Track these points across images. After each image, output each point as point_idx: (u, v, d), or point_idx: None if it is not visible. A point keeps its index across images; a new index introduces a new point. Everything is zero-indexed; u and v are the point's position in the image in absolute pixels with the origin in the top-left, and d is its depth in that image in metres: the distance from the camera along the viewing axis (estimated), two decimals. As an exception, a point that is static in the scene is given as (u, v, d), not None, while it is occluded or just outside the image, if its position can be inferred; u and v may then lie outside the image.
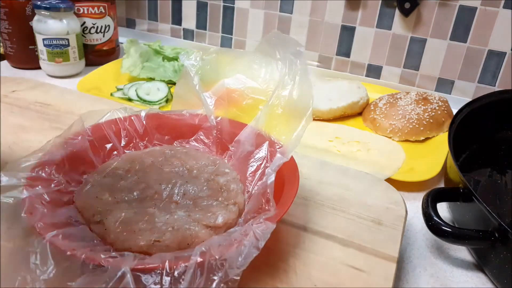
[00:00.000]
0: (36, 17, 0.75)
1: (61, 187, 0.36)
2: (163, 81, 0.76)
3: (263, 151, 0.41)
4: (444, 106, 0.67)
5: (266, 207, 0.33)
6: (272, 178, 0.34)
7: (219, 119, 0.45)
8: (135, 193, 0.37)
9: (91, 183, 0.38)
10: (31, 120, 0.56)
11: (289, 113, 0.40)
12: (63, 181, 0.37)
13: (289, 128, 0.38)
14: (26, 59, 0.81)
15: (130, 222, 0.33)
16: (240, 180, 0.40)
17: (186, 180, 0.39)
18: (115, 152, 0.43)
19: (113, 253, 0.29)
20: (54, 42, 0.75)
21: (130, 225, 0.33)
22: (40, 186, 0.34)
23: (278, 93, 0.41)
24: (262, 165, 0.40)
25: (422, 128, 0.63)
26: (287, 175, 0.38)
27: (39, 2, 0.73)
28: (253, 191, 0.39)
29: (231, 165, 0.43)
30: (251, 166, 0.41)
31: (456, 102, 0.72)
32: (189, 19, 0.97)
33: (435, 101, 0.68)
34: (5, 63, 0.84)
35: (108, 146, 0.43)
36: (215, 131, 0.45)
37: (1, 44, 0.82)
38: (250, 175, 0.40)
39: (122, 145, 0.44)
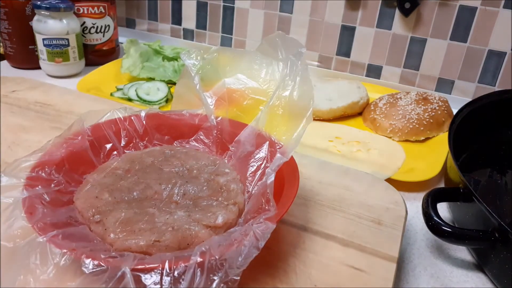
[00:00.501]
0: (36, 17, 0.75)
1: (61, 187, 0.36)
2: (163, 81, 0.76)
3: (263, 152, 0.41)
4: (444, 106, 0.67)
5: (266, 207, 0.33)
6: (271, 178, 0.34)
7: (219, 119, 0.45)
8: (135, 193, 0.37)
9: (91, 183, 0.38)
10: (31, 120, 0.56)
11: (289, 114, 0.40)
12: (63, 181, 0.37)
13: (290, 128, 0.38)
14: (26, 59, 0.81)
15: (130, 222, 0.33)
16: (240, 180, 0.40)
17: (186, 180, 0.39)
18: (115, 152, 0.43)
19: (113, 253, 0.29)
20: (54, 42, 0.75)
21: (130, 225, 0.33)
22: (40, 186, 0.34)
23: (278, 93, 0.40)
24: (262, 165, 0.40)
25: (422, 128, 0.63)
26: (287, 175, 0.38)
27: (39, 2, 0.73)
28: (253, 191, 0.39)
29: (231, 165, 0.43)
30: (251, 166, 0.41)
31: (456, 102, 0.72)
32: (189, 19, 0.97)
33: (435, 101, 0.67)
34: (5, 63, 0.84)
35: (108, 146, 0.43)
36: (215, 131, 0.45)
37: (1, 44, 0.82)
38: (250, 175, 0.40)
39: (122, 145, 0.44)
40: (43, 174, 0.36)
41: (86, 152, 0.41)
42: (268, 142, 0.41)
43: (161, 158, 0.42)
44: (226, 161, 0.44)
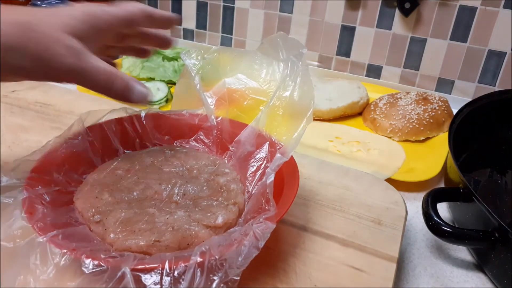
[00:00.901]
0: (36, 17, 0.75)
1: (61, 187, 0.36)
2: (163, 81, 0.76)
3: (263, 152, 0.41)
4: (444, 106, 0.67)
5: (266, 207, 0.33)
6: (271, 178, 0.34)
7: (219, 119, 0.45)
8: (135, 193, 0.37)
9: (91, 183, 0.38)
10: (31, 120, 0.56)
11: (290, 114, 0.40)
12: (63, 181, 0.37)
13: (290, 128, 0.38)
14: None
15: (130, 222, 0.33)
16: (240, 180, 0.40)
17: (186, 180, 0.39)
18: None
19: (113, 253, 0.29)
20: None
21: (130, 225, 0.33)
22: (40, 186, 0.34)
23: (279, 94, 0.41)
24: (263, 165, 0.40)
25: (422, 128, 0.63)
26: (287, 175, 0.38)
27: (38, 2, 0.73)
28: (253, 191, 0.39)
29: (231, 165, 0.43)
30: (252, 167, 0.41)
31: (456, 102, 0.72)
32: (189, 19, 0.97)
33: (435, 101, 0.68)
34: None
35: (108, 146, 0.43)
36: (215, 131, 0.45)
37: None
38: (251, 175, 0.40)
39: (122, 145, 0.44)
40: (43, 174, 0.36)
41: (86, 152, 0.41)
42: (268, 142, 0.41)
43: (161, 158, 0.42)
44: (226, 161, 0.44)
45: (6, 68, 0.32)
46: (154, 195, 0.37)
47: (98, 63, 0.34)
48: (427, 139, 0.64)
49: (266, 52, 0.45)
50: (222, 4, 0.92)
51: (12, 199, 0.32)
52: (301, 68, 0.40)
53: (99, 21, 0.35)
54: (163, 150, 0.44)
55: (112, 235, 0.32)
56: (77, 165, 0.39)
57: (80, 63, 0.33)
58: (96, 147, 0.42)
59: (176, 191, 0.38)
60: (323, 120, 0.68)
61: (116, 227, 0.33)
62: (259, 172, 0.40)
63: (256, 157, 0.41)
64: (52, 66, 0.32)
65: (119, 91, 0.34)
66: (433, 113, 0.65)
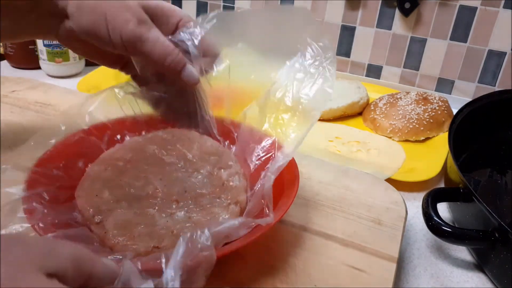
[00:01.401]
0: (36, 17, 0.75)
1: (61, 182, 0.36)
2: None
3: (268, 149, 0.40)
4: (444, 106, 0.67)
5: (266, 211, 0.33)
6: (270, 181, 0.34)
7: (218, 116, 0.44)
8: (135, 191, 0.37)
9: (92, 178, 0.37)
10: (31, 120, 0.56)
11: (298, 114, 0.38)
12: (64, 176, 0.37)
13: (295, 129, 0.37)
14: (26, 59, 0.81)
15: (130, 225, 0.33)
16: (243, 175, 0.40)
17: (187, 175, 0.39)
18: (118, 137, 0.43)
19: (116, 255, 0.29)
20: (54, 42, 0.75)
21: (130, 228, 0.33)
22: (40, 185, 0.34)
23: (293, 93, 0.39)
24: (268, 165, 0.39)
25: (422, 128, 0.63)
26: (287, 175, 0.37)
27: None
28: (257, 188, 0.38)
29: (235, 155, 0.42)
30: (256, 163, 0.40)
31: (456, 102, 0.72)
32: (189, 19, 0.97)
33: (435, 101, 0.67)
34: (5, 63, 0.84)
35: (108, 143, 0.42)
36: (214, 128, 0.45)
37: (1, 44, 0.82)
38: (254, 170, 0.40)
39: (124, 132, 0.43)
40: (44, 173, 0.36)
41: (86, 151, 0.40)
42: (273, 139, 0.40)
43: (164, 145, 0.41)
44: (232, 147, 0.43)
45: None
46: (155, 192, 0.37)
47: (159, 35, 0.36)
48: (427, 139, 0.64)
49: (282, 20, 0.40)
50: (222, 4, 0.92)
51: (12, 197, 0.32)
52: (327, 72, 0.38)
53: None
54: (166, 137, 0.43)
55: (112, 240, 0.32)
56: (77, 163, 0.39)
57: (141, 30, 0.35)
58: (98, 136, 0.41)
59: (177, 190, 0.37)
60: (323, 120, 0.68)
61: (116, 230, 0.33)
62: (263, 172, 0.39)
63: (260, 155, 0.40)
64: (118, 30, 0.35)
65: (171, 66, 0.37)
66: (433, 113, 0.65)
